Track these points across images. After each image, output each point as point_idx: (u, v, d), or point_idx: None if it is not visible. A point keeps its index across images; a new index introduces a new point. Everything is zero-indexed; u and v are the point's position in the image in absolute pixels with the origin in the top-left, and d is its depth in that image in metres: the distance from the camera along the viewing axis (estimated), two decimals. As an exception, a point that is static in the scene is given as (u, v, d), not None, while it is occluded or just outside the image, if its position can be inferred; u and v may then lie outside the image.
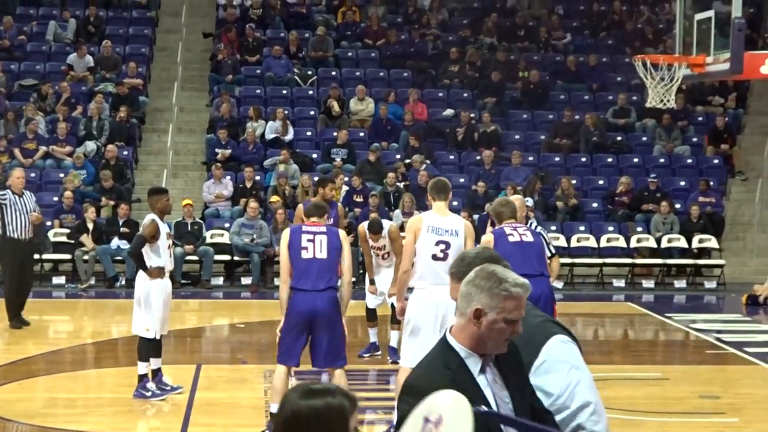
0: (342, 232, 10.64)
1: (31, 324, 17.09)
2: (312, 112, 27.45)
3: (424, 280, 10.08)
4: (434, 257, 10.07)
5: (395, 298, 11.17)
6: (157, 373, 12.20)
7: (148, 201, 12.57)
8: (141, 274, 12.10)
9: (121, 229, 22.34)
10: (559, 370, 4.74)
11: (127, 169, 25.06)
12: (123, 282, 21.83)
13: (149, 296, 11.95)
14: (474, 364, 4.50)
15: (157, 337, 12.06)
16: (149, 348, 12.09)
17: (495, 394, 4.50)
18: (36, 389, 13.09)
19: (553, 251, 11.40)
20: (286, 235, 10.48)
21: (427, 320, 10.01)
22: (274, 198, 23.14)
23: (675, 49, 15.20)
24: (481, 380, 4.50)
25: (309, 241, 10.27)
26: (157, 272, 11.93)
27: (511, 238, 10.36)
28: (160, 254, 12.01)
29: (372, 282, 14.56)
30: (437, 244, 10.10)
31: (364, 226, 14.44)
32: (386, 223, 14.47)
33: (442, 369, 4.48)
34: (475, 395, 4.38)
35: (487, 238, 10.57)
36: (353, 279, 21.59)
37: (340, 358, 10.38)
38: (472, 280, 4.50)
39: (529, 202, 22.15)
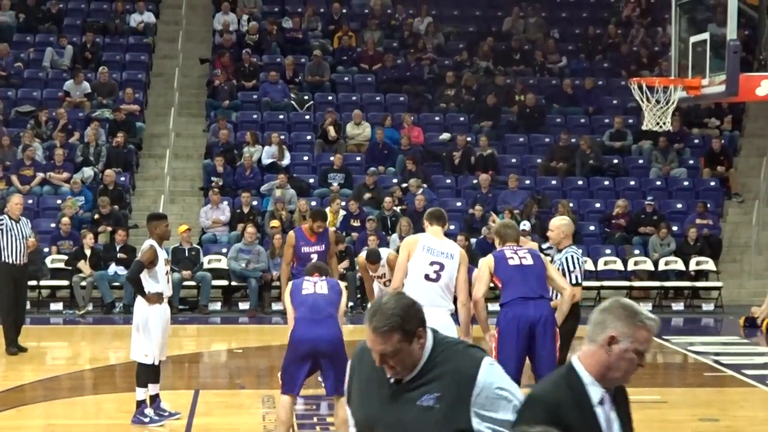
0: (343, 285, 10.85)
1: (29, 350, 17.07)
2: (309, 137, 27.47)
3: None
4: (427, 277, 10.13)
5: None
6: (155, 398, 12.17)
7: (147, 226, 12.54)
8: (140, 299, 12.08)
9: (119, 255, 22.34)
10: (505, 397, 4.72)
11: (126, 194, 25.11)
12: (121, 308, 21.82)
13: (148, 322, 11.93)
14: (594, 393, 4.58)
15: (156, 363, 12.04)
16: (148, 374, 12.06)
17: (608, 427, 4.60)
18: (34, 416, 13.05)
19: (575, 281, 11.24)
20: (289, 287, 10.84)
21: None
22: (275, 223, 23.14)
23: (671, 71, 15.22)
24: (599, 411, 4.58)
25: (309, 284, 10.51)
26: (155, 298, 11.92)
27: (511, 261, 10.37)
28: (159, 280, 12.00)
29: None
30: (431, 264, 10.16)
31: (362, 256, 14.47)
32: (384, 252, 14.47)
33: (566, 388, 4.56)
34: (592, 424, 4.53)
35: (488, 259, 10.57)
36: (351, 303, 21.70)
37: (342, 386, 10.43)
38: (608, 308, 4.60)
39: (526, 225, 22.30)
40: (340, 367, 10.33)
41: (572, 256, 11.31)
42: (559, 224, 11.67)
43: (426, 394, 4.66)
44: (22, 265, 17.00)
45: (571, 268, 11.21)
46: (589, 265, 23.79)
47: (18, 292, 17.16)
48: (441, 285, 10.17)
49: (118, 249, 22.49)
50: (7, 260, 16.75)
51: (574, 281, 11.12)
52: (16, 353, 16.82)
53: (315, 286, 10.58)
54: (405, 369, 4.72)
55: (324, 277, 10.83)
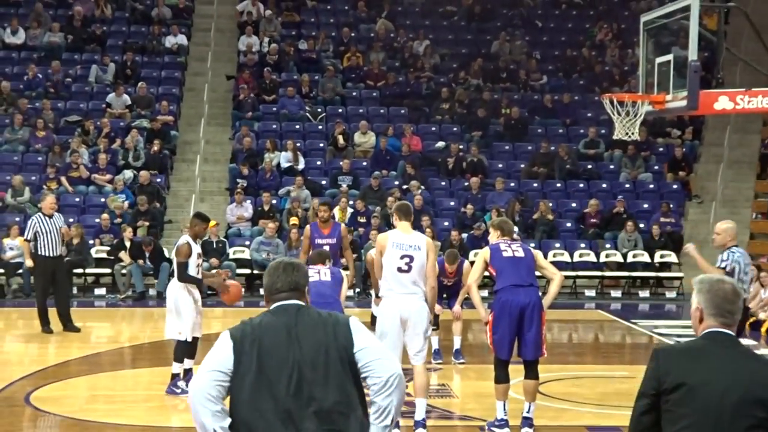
0: (344, 273, 10.92)
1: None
2: (321, 145, 27.44)
3: (391, 290, 10.09)
4: (399, 270, 10.06)
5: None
6: (188, 372, 12.14)
7: (190, 222, 12.58)
8: (172, 285, 12.10)
9: (147, 261, 22.35)
10: None
11: (163, 193, 25.18)
12: (155, 293, 21.88)
13: (179, 304, 11.95)
14: None
15: (189, 340, 12.02)
16: (184, 350, 12.06)
17: None
18: (79, 387, 13.03)
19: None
20: None
21: (392, 326, 10.02)
22: (294, 220, 23.16)
23: (639, 88, 15.15)
24: None
25: (314, 273, 10.63)
26: (221, 282, 12.21)
27: (504, 254, 10.34)
28: (191, 270, 12.02)
29: (377, 296, 14.54)
30: (402, 258, 10.08)
31: (371, 253, 14.48)
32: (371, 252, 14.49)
33: None
34: None
35: (484, 251, 10.55)
36: (357, 289, 21.71)
37: None
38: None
39: (516, 232, 22.26)
40: None
41: (733, 253, 10.89)
42: (726, 227, 11.14)
43: None
44: (57, 257, 16.96)
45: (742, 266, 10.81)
46: (566, 258, 23.83)
47: (57, 280, 17.14)
48: (413, 274, 10.09)
49: (147, 256, 22.36)
50: (42, 253, 16.75)
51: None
52: (51, 332, 16.82)
53: (319, 273, 10.72)
54: None
55: (327, 266, 11.04)
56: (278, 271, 5.08)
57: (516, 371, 10.46)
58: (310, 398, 4.72)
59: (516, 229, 22.17)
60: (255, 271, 22.92)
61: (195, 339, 12.14)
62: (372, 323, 14.74)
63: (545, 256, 23.22)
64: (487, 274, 10.67)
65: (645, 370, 4.77)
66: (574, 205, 26.13)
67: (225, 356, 4.87)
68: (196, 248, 12.14)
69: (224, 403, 4.81)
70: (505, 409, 10.32)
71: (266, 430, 4.67)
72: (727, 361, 4.62)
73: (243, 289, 13.09)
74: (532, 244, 22.74)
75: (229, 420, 4.76)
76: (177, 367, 12.06)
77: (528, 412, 10.36)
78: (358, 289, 22.12)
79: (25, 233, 17.43)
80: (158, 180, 25.35)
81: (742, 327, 11.25)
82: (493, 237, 10.70)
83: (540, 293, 10.42)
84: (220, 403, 4.77)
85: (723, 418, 4.50)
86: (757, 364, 4.68)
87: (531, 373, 10.31)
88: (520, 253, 10.36)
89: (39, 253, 16.76)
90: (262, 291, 23.04)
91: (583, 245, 24.47)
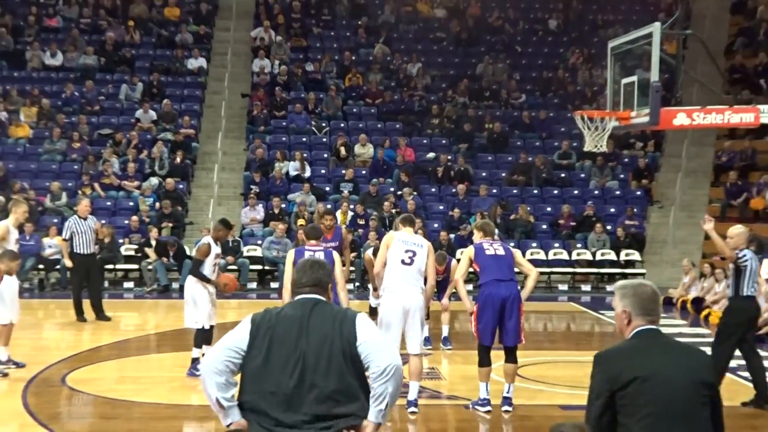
0: (336, 254, 10.91)
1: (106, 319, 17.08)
2: (325, 155, 27.44)
3: (394, 282, 10.09)
4: (403, 262, 10.11)
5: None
6: (205, 357, 12.12)
7: (214, 226, 12.60)
8: (189, 279, 12.11)
9: (171, 259, 22.33)
10: None
11: (185, 198, 25.18)
12: (178, 287, 21.87)
13: (196, 296, 11.97)
14: None
15: (206, 327, 12.03)
16: (203, 337, 12.06)
17: None
18: (110, 370, 13.01)
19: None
20: (291, 255, 10.72)
21: (394, 316, 10.02)
22: (301, 222, 23.16)
23: (606, 105, 15.15)
24: None
25: (310, 254, 10.46)
26: (222, 282, 12.19)
27: (487, 252, 10.36)
28: (205, 269, 12.03)
29: (375, 289, 14.53)
30: (406, 252, 10.15)
31: (369, 253, 14.49)
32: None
33: None
34: None
35: (469, 250, 10.55)
36: (357, 284, 21.67)
37: None
38: None
39: (497, 233, 22.24)
40: None
41: (745, 255, 10.79)
42: (738, 232, 10.98)
43: None
44: (90, 254, 16.95)
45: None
46: (542, 256, 23.82)
47: (91, 275, 17.13)
48: (414, 268, 10.13)
49: (171, 255, 22.36)
50: (78, 251, 16.75)
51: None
52: (84, 321, 16.83)
53: (314, 255, 10.48)
54: None
55: (322, 246, 10.94)
56: (305, 267, 5.10)
57: (497, 356, 10.46)
58: (312, 385, 4.71)
59: (497, 230, 22.23)
60: (266, 267, 22.90)
61: (211, 327, 12.14)
62: (370, 314, 14.78)
63: (523, 255, 23.17)
64: (471, 270, 10.66)
65: (592, 375, 4.67)
66: (549, 209, 26.13)
67: (241, 336, 4.88)
68: (216, 249, 12.16)
69: (235, 378, 4.81)
70: (487, 390, 10.33)
71: (267, 409, 4.66)
72: (664, 353, 4.67)
73: (235, 279, 13.09)
74: (512, 244, 22.74)
75: (233, 390, 4.77)
76: (196, 352, 12.06)
77: (508, 392, 10.37)
78: (357, 284, 22.13)
79: (62, 233, 17.41)
80: (180, 186, 25.35)
81: (756, 328, 11.04)
82: (477, 237, 10.69)
83: (519, 287, 10.41)
84: (225, 376, 4.76)
85: (678, 400, 4.51)
86: (689, 351, 4.78)
87: (511, 357, 10.31)
88: (501, 252, 10.37)
89: (75, 251, 16.76)
90: (273, 285, 23.14)
91: (557, 245, 24.46)
